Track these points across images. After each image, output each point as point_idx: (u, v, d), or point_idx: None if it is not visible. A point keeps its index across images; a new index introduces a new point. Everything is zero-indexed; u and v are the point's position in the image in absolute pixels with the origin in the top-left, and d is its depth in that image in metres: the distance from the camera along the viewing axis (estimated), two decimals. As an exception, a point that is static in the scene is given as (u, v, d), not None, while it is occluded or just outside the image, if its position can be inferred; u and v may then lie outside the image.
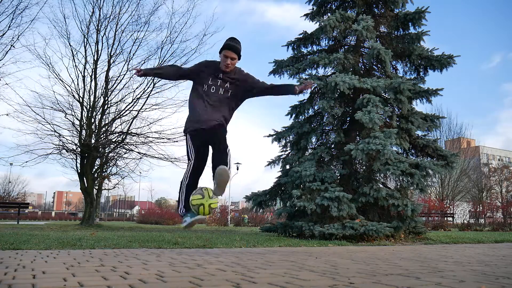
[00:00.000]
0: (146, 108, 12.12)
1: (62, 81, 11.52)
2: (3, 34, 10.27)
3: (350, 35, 7.28)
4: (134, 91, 12.03)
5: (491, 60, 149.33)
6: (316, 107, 7.18)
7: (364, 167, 6.78)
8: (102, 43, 11.92)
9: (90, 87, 11.84)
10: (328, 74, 7.18)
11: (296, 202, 5.96)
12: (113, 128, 12.30)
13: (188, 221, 3.06)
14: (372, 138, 5.83)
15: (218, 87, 3.22)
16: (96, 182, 12.76)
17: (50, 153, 11.64)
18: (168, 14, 24.62)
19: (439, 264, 2.75)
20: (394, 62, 7.36)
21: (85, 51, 11.64)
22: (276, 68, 7.60)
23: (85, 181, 11.75)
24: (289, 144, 7.26)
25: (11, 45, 10.37)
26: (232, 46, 3.17)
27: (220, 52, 3.22)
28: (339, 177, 6.63)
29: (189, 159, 3.19)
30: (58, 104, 11.43)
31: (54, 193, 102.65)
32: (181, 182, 3.17)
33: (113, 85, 12.05)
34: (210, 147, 3.21)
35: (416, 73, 7.30)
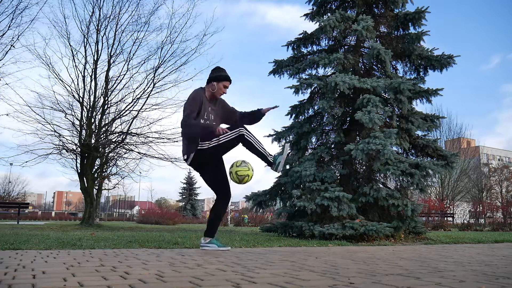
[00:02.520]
0: (146, 108, 12.10)
1: (62, 81, 11.51)
2: (3, 34, 10.26)
3: (350, 35, 7.28)
4: (134, 91, 12.01)
5: (490, 61, 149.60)
6: (316, 107, 7.17)
7: (364, 167, 6.78)
8: (102, 43, 11.90)
9: (90, 87, 11.83)
10: (328, 74, 7.18)
11: (296, 202, 5.96)
12: (113, 128, 12.29)
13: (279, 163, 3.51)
14: (372, 138, 5.83)
15: (211, 121, 3.64)
16: (96, 182, 12.74)
17: (50, 153, 11.61)
18: (168, 14, 24.61)
19: (439, 264, 2.75)
20: (394, 62, 7.36)
21: (85, 51, 11.62)
22: (276, 68, 7.60)
23: (85, 181, 11.74)
24: (289, 144, 7.26)
25: (11, 45, 10.36)
26: (230, 78, 3.67)
27: (215, 81, 3.61)
28: (339, 177, 6.63)
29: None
30: (58, 104, 11.41)
31: (54, 193, 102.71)
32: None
33: (113, 85, 12.04)
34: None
35: (416, 73, 7.29)
